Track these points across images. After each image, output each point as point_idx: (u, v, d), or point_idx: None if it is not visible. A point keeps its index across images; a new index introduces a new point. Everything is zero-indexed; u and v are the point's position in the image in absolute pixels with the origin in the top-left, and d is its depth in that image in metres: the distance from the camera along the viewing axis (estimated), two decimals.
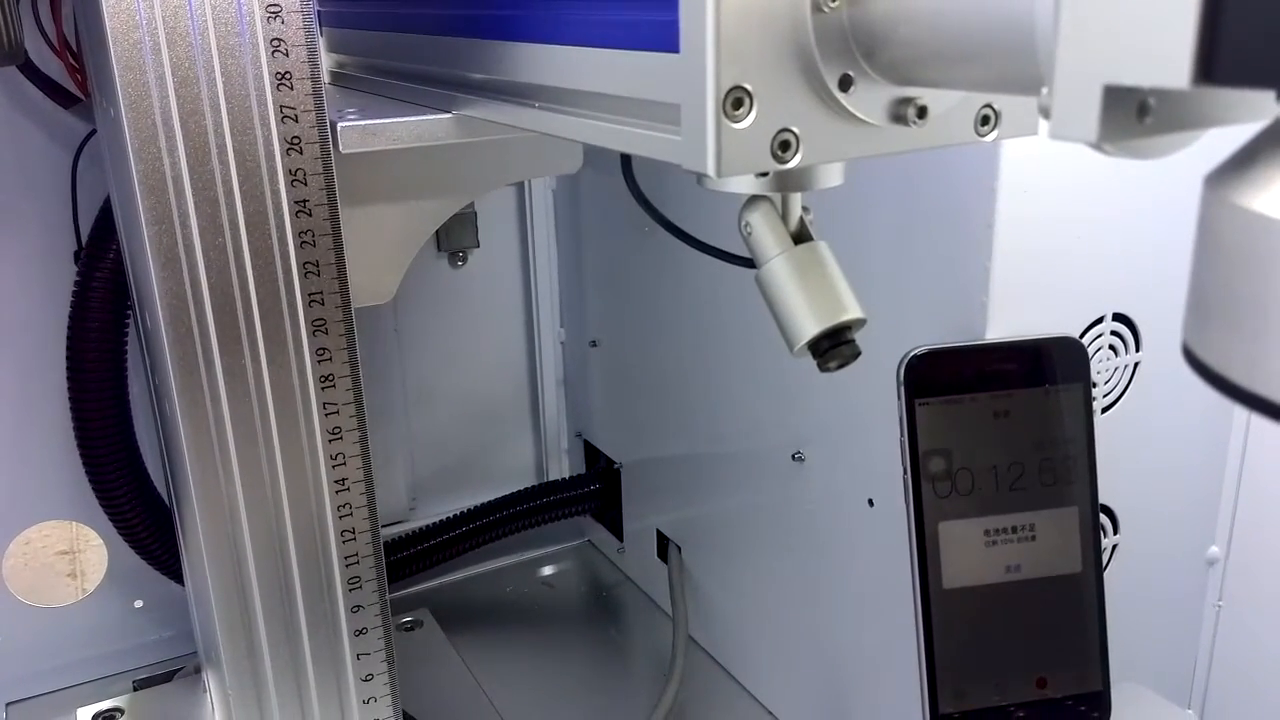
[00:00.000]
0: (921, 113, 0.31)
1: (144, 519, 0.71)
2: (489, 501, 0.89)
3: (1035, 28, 0.24)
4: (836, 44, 0.29)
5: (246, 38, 0.44)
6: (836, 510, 0.63)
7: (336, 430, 0.50)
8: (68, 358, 0.66)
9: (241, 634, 0.52)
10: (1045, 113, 0.24)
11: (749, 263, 0.39)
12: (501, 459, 0.97)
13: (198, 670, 0.76)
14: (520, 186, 0.91)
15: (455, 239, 0.89)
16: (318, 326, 0.48)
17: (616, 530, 0.93)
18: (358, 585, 0.53)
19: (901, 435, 0.47)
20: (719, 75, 0.28)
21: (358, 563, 0.53)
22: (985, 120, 0.34)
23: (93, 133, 0.70)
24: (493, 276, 0.92)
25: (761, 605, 0.74)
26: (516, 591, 0.93)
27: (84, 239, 0.69)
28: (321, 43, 0.54)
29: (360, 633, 0.54)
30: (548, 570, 0.96)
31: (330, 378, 0.49)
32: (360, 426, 0.51)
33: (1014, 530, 0.48)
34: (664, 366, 0.80)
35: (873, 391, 0.50)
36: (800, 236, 0.38)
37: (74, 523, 0.75)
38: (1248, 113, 0.24)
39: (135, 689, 0.77)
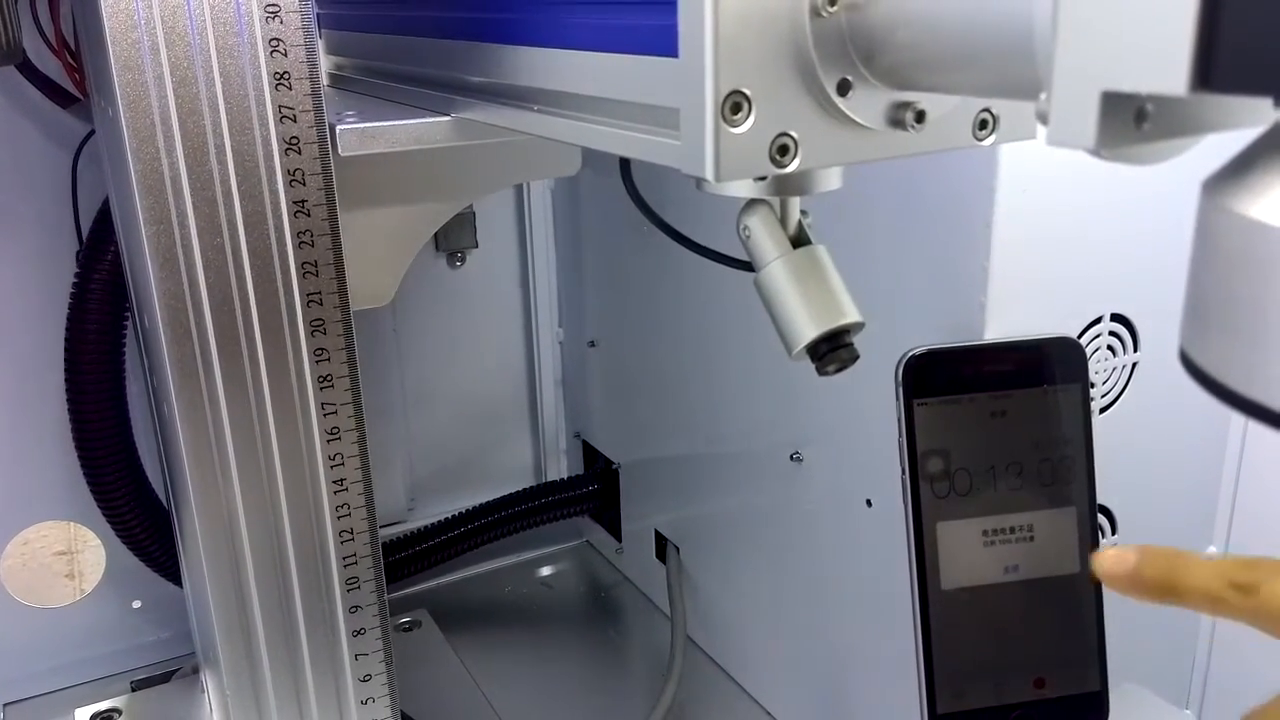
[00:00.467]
0: (920, 117, 0.31)
1: (142, 520, 0.71)
2: (487, 502, 0.89)
3: (1033, 33, 0.24)
4: (835, 49, 0.29)
5: (245, 38, 0.44)
6: (835, 510, 0.63)
7: (335, 431, 0.50)
8: (66, 359, 0.66)
9: (240, 634, 0.52)
10: (1043, 118, 0.24)
11: (748, 266, 0.39)
12: (500, 459, 0.97)
13: (196, 671, 0.76)
14: (519, 187, 0.91)
15: (454, 239, 0.89)
16: (316, 327, 0.48)
17: (615, 531, 0.93)
18: (356, 586, 0.53)
19: (900, 435, 0.47)
20: (718, 80, 0.28)
21: (356, 563, 0.52)
22: (983, 125, 0.34)
23: (92, 133, 0.70)
24: (491, 277, 0.92)
25: (760, 605, 0.74)
26: (515, 592, 0.93)
27: (85, 239, 0.68)
28: (320, 45, 0.54)
29: (358, 633, 0.54)
30: (546, 571, 0.96)
31: (329, 378, 0.49)
32: (359, 427, 0.50)
33: (1012, 530, 0.48)
34: (663, 367, 0.80)
35: (871, 392, 0.50)
36: (799, 240, 0.38)
37: (72, 523, 0.75)
38: (1245, 118, 0.24)
39: (133, 689, 0.77)
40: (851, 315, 0.37)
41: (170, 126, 0.43)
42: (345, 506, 0.51)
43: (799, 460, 0.65)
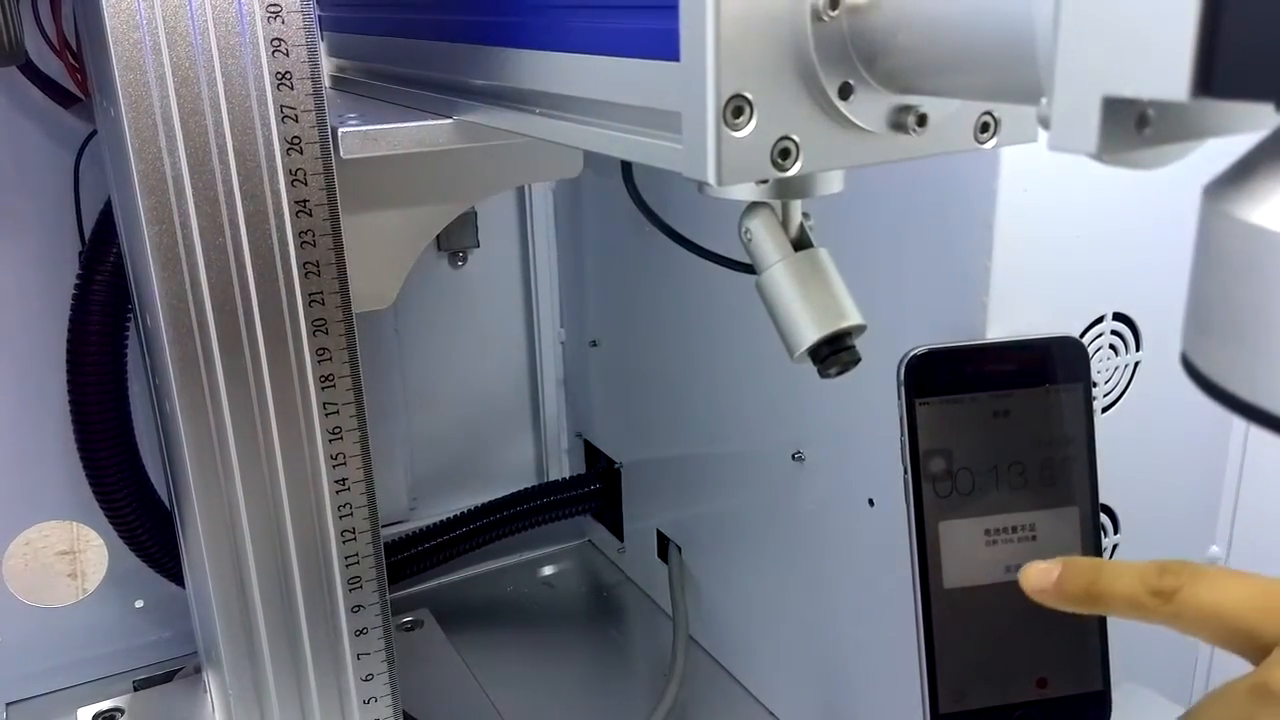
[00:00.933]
0: (921, 121, 0.31)
1: (144, 521, 0.71)
2: (489, 502, 0.89)
3: (1035, 38, 0.24)
4: (836, 52, 0.29)
5: (247, 37, 0.44)
6: (837, 510, 0.63)
7: (337, 430, 0.50)
8: (68, 359, 0.66)
9: (242, 634, 0.52)
10: (1045, 123, 0.24)
11: (749, 268, 0.39)
12: (502, 459, 0.97)
13: (198, 670, 0.76)
14: (520, 186, 0.91)
15: (455, 239, 0.89)
16: (318, 326, 0.48)
17: (617, 530, 0.93)
18: (358, 585, 0.53)
19: (902, 435, 0.47)
20: (719, 83, 0.28)
21: (358, 562, 0.53)
22: (985, 128, 0.34)
23: (94, 133, 0.70)
24: (493, 276, 0.92)
25: (762, 605, 0.74)
26: (517, 591, 0.93)
27: (87, 239, 0.69)
28: (322, 47, 0.54)
29: (360, 633, 0.54)
30: (548, 570, 0.96)
31: (330, 377, 0.49)
32: (360, 426, 0.51)
33: (1014, 530, 0.48)
34: (664, 366, 0.80)
35: (873, 391, 0.50)
36: (800, 243, 0.38)
37: (74, 523, 0.75)
38: (1246, 123, 0.24)
39: (135, 689, 0.77)
40: (853, 318, 0.37)
41: (172, 126, 0.44)
42: (347, 506, 0.51)
43: (801, 460, 0.65)
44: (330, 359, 0.49)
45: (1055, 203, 0.49)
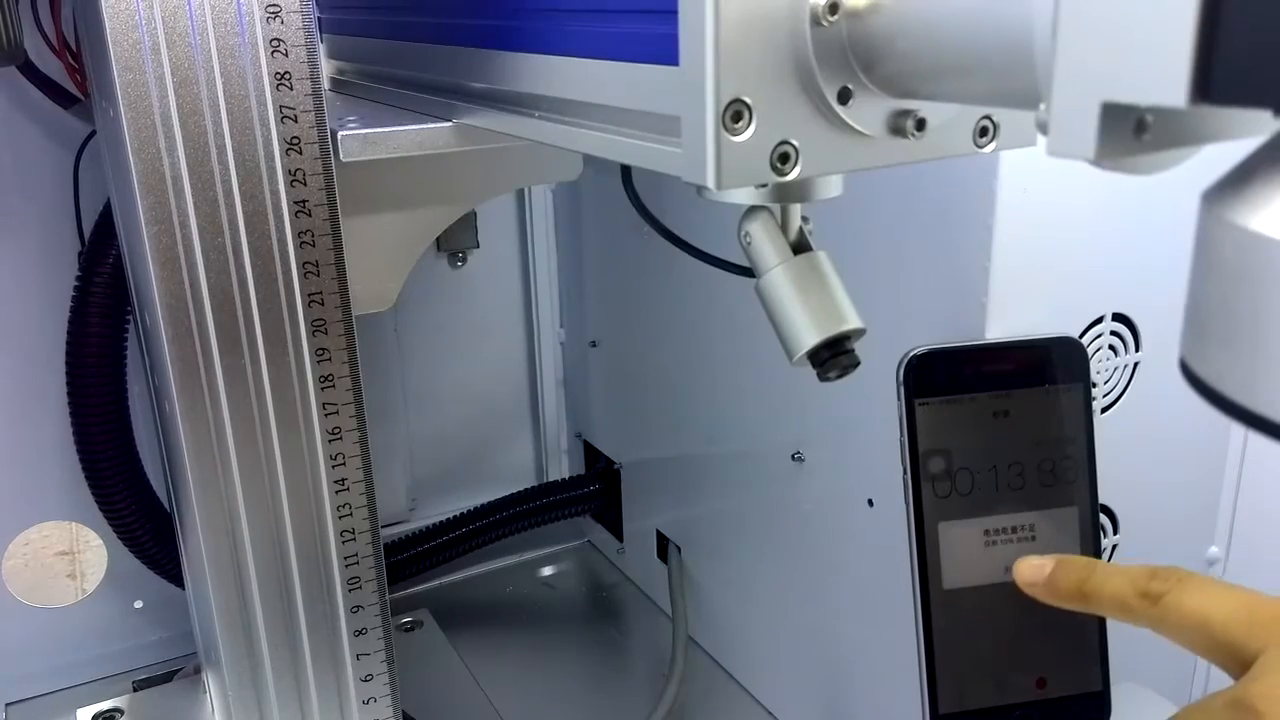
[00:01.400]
0: (920, 125, 0.32)
1: (142, 522, 0.71)
2: (489, 502, 0.89)
3: (1033, 44, 0.24)
4: (835, 57, 0.29)
5: (246, 38, 0.44)
6: (836, 510, 0.63)
7: (336, 430, 0.50)
8: (67, 359, 0.66)
9: (241, 634, 0.52)
10: (1043, 129, 0.24)
11: (749, 272, 0.39)
12: (501, 459, 0.97)
13: (197, 671, 0.76)
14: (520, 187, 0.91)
15: (455, 239, 0.89)
16: (317, 327, 0.48)
17: (616, 531, 0.93)
18: (357, 585, 0.53)
19: (901, 435, 0.47)
20: (719, 88, 0.28)
21: (357, 563, 0.52)
22: (984, 132, 0.34)
23: (93, 133, 0.70)
24: (492, 277, 0.92)
25: (761, 605, 0.74)
26: (516, 592, 0.93)
27: (87, 240, 0.68)
28: (322, 49, 0.54)
29: (360, 633, 0.54)
30: (548, 571, 0.96)
31: (330, 378, 0.49)
32: (360, 427, 0.51)
33: (1014, 530, 0.48)
34: (664, 366, 0.80)
35: (872, 391, 0.50)
36: (800, 247, 0.38)
37: (74, 523, 0.75)
38: (1245, 129, 0.24)
39: (135, 689, 0.77)
40: (853, 321, 0.37)
41: (171, 126, 0.44)
42: (347, 506, 0.51)
43: (800, 460, 0.65)
44: (330, 359, 0.49)
45: (1055, 203, 0.49)
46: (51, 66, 0.67)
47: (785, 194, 0.37)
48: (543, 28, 0.39)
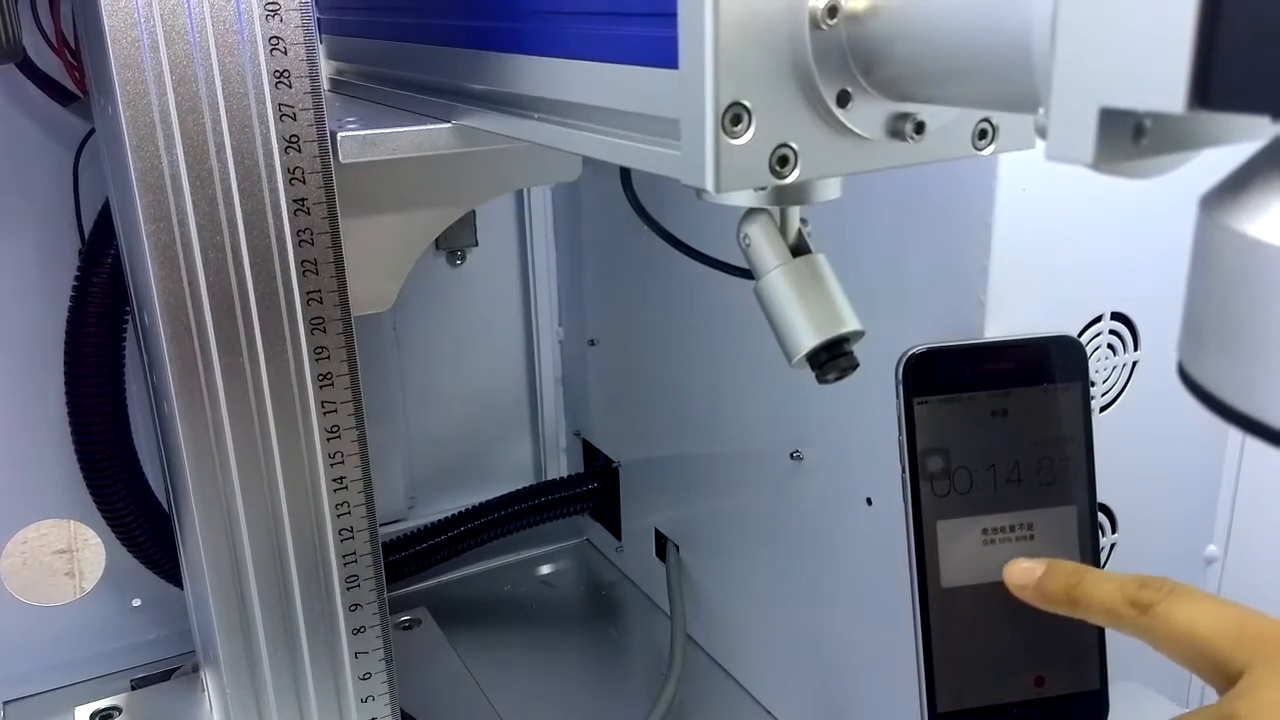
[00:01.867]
0: (919, 128, 0.32)
1: (140, 522, 0.71)
2: (487, 501, 0.89)
3: (1032, 49, 0.24)
4: (835, 60, 0.29)
5: (245, 36, 0.44)
6: (835, 509, 0.63)
7: (335, 429, 0.50)
8: (66, 358, 0.66)
9: (239, 633, 0.52)
10: (1042, 133, 0.24)
11: (748, 274, 0.39)
12: (500, 458, 0.97)
13: (196, 669, 0.76)
14: None
15: (454, 238, 0.89)
16: (316, 325, 0.48)
17: (615, 529, 0.93)
18: (356, 584, 0.53)
19: (900, 434, 0.47)
20: (718, 91, 0.28)
21: (356, 561, 0.52)
22: (983, 134, 0.34)
23: (93, 131, 0.70)
24: (491, 275, 0.92)
25: (760, 604, 0.74)
26: (515, 590, 0.93)
27: (86, 238, 0.68)
28: (321, 50, 0.54)
29: (358, 631, 0.54)
30: (546, 569, 0.96)
31: (328, 376, 0.49)
32: (358, 425, 0.50)
33: (1012, 529, 0.48)
34: (663, 365, 0.80)
35: (871, 390, 0.50)
36: (798, 249, 0.38)
37: (72, 521, 0.75)
38: (1243, 134, 0.24)
39: (133, 688, 0.77)
40: (851, 323, 0.38)
41: (170, 124, 0.43)
42: (345, 504, 0.51)
43: (799, 459, 0.65)
44: (328, 357, 0.49)
45: (1054, 202, 0.49)
46: (50, 64, 0.67)
47: (784, 196, 0.37)
48: (542, 30, 0.39)
